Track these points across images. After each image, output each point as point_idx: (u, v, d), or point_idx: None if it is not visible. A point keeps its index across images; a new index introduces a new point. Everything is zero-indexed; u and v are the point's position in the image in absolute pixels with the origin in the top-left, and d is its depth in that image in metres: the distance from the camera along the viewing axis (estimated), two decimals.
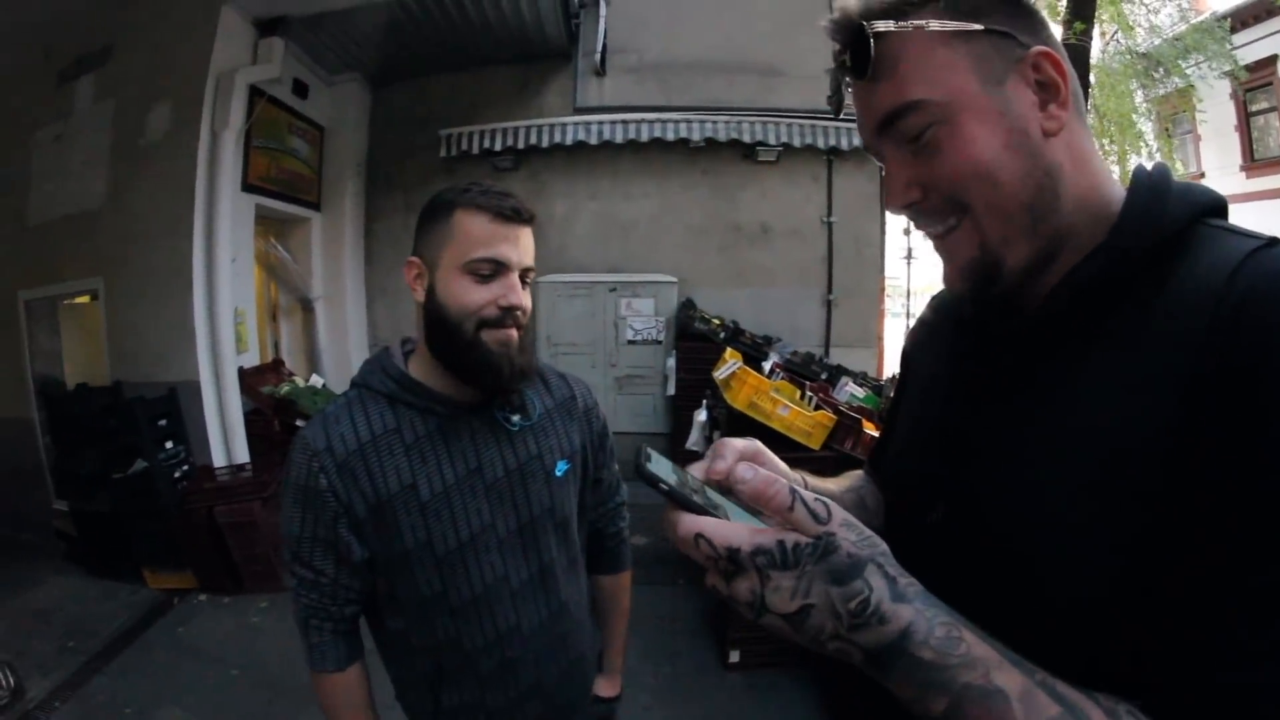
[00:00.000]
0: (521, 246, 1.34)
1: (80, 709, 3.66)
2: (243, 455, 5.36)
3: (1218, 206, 0.75)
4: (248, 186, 5.79)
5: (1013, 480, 0.75)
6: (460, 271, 1.31)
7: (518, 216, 1.33)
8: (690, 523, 0.61)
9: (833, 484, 1.11)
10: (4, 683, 3.71)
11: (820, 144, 7.18)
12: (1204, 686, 0.58)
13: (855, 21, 0.75)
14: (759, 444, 0.80)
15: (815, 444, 3.89)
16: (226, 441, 5.33)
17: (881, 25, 0.73)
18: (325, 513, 1.32)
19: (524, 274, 1.36)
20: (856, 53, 0.76)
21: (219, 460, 5.21)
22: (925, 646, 0.58)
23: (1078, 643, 0.66)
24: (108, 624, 4.38)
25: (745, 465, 0.64)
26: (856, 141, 7.02)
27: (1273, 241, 0.66)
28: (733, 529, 0.60)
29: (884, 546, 0.62)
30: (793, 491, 0.60)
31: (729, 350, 5.23)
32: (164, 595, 4.71)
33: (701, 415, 5.09)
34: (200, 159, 5.17)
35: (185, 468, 5.04)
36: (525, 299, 1.35)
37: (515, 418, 1.45)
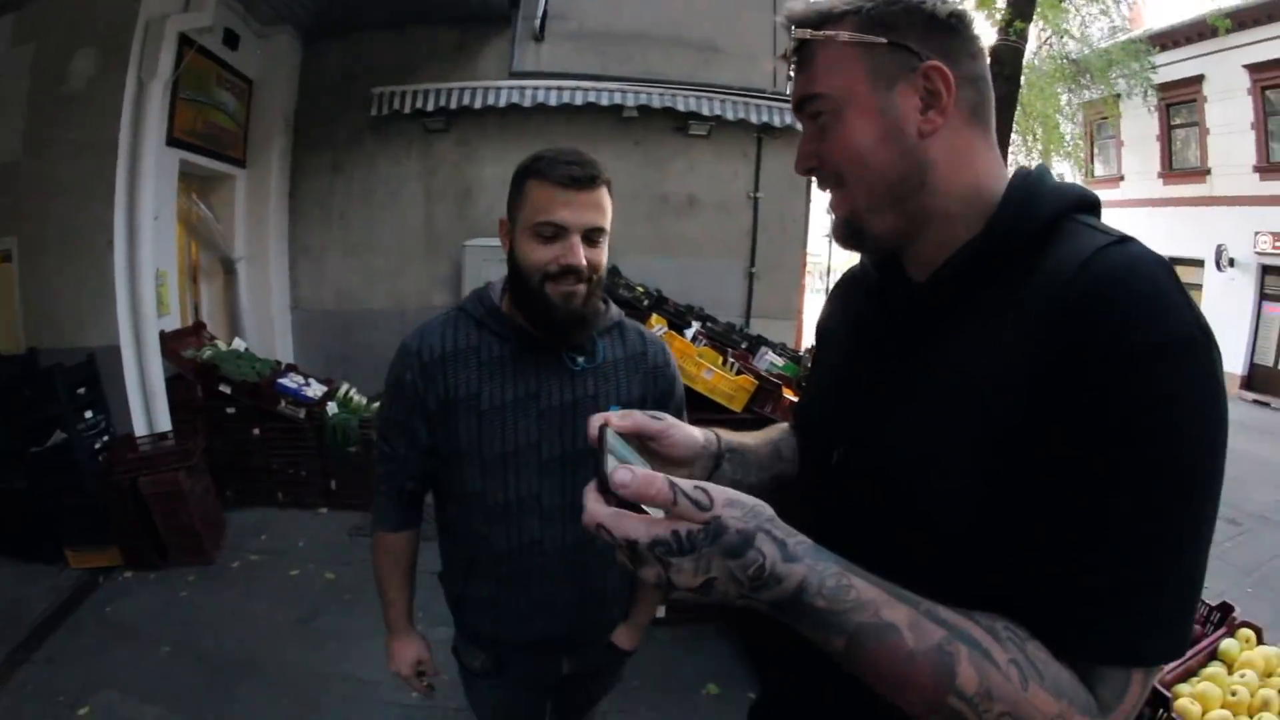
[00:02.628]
0: (582, 210, 1.47)
1: (9, 701, 3.46)
2: (165, 423, 5.14)
3: (1088, 203, 0.89)
4: (173, 140, 5.56)
5: (901, 425, 0.89)
6: (529, 233, 1.49)
7: (576, 183, 1.45)
8: (591, 513, 0.68)
9: (750, 438, 1.21)
10: None
11: (753, 119, 7.31)
12: (1054, 597, 0.72)
13: (789, 25, 0.92)
14: (640, 417, 0.97)
15: (738, 407, 4.07)
16: (148, 409, 5.11)
17: (802, 32, 0.90)
18: (405, 401, 1.60)
19: (590, 234, 1.50)
20: (793, 48, 0.93)
21: (140, 429, 5.00)
22: (819, 596, 0.67)
23: (955, 566, 0.79)
24: (31, 609, 4.12)
25: (623, 470, 0.68)
26: (788, 120, 7.17)
27: (1123, 239, 0.78)
28: (630, 521, 0.66)
29: (769, 513, 0.70)
30: (672, 486, 0.66)
31: (655, 315, 5.32)
32: (88, 575, 4.48)
33: (680, 384, 5.11)
34: (125, 110, 4.88)
35: (106, 438, 4.80)
36: (592, 256, 1.51)
37: (580, 359, 1.62)
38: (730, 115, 7.25)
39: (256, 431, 5.40)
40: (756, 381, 4.14)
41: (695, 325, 5.97)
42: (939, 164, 0.89)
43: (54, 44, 5.02)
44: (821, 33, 0.89)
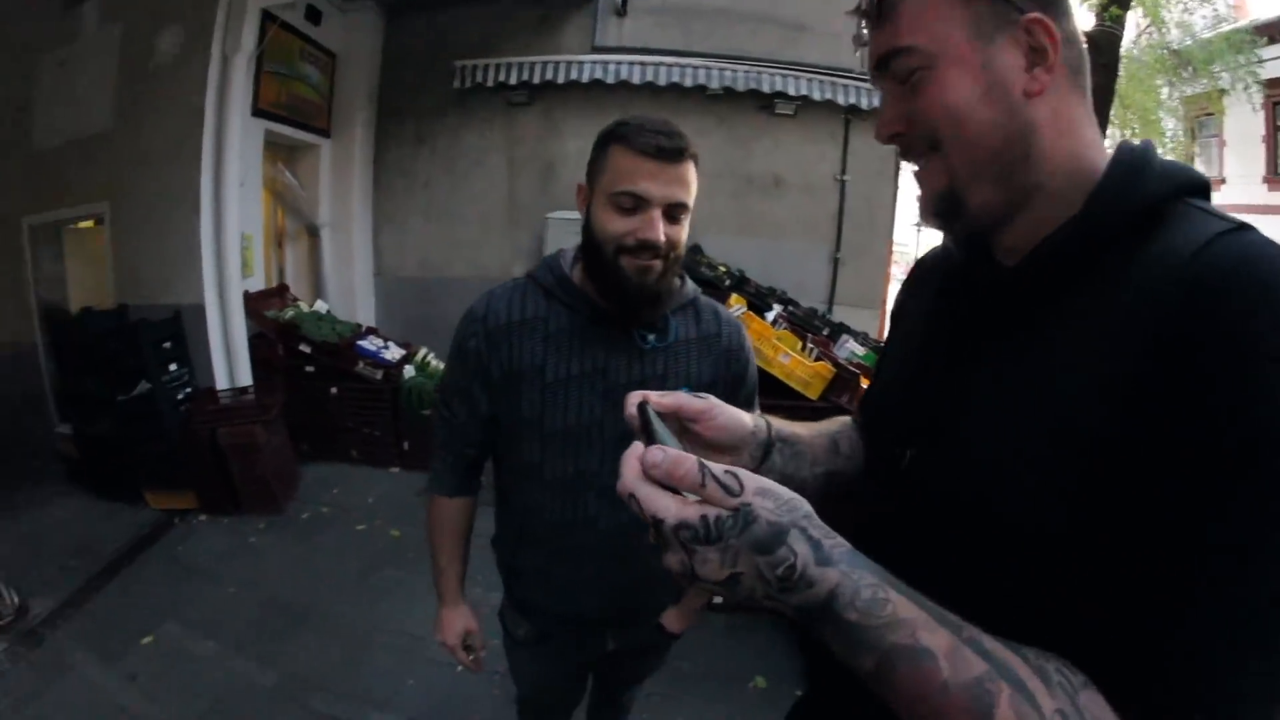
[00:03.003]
0: (666, 183, 1.38)
1: (82, 626, 3.68)
2: (246, 378, 5.32)
3: (1198, 186, 0.77)
4: (257, 111, 5.69)
5: (979, 426, 0.79)
6: (608, 202, 1.41)
7: (661, 154, 1.36)
8: (626, 481, 0.64)
9: (805, 428, 1.11)
10: (8, 601, 3.73)
11: (840, 100, 7.04)
12: (1134, 642, 0.61)
13: None
14: (682, 396, 0.91)
15: (813, 394, 3.90)
16: (230, 364, 5.29)
17: None
18: (468, 368, 1.56)
19: (671, 209, 1.40)
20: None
21: (222, 383, 5.18)
22: (851, 608, 0.60)
23: (1028, 586, 0.69)
24: (109, 544, 4.38)
25: (655, 449, 0.64)
26: (876, 101, 6.88)
27: (1242, 227, 0.67)
28: (661, 498, 0.62)
29: (806, 509, 0.64)
30: (702, 468, 0.62)
31: (734, 295, 5.16)
32: (164, 516, 4.70)
33: (754, 369, 5.01)
34: (210, 83, 5.05)
35: (188, 390, 5.01)
36: (672, 233, 1.42)
37: (650, 337, 1.55)
38: (817, 95, 7.02)
39: (334, 390, 5.51)
40: (834, 369, 3.97)
41: (776, 308, 5.85)
42: (1044, 130, 0.77)
43: (140, 23, 5.24)
44: None
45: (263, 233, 6.11)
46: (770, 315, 5.46)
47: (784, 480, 0.95)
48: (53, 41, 5.58)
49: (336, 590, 3.90)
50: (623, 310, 1.49)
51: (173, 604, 3.80)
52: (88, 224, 5.71)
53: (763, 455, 0.99)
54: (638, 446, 0.67)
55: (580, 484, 1.56)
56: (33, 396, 5.80)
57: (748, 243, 7.23)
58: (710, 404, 0.93)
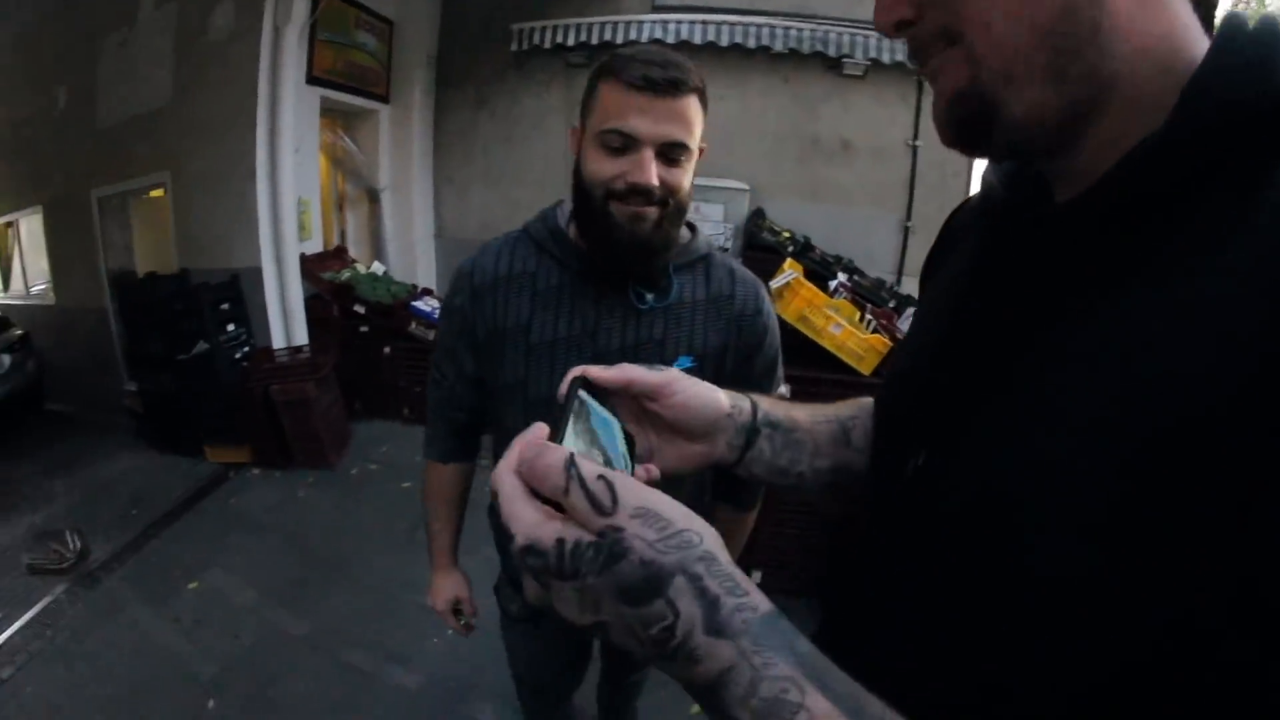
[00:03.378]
0: (659, 119, 1.20)
1: (136, 570, 3.86)
2: (302, 338, 5.45)
3: None
4: (312, 80, 5.76)
5: (1016, 422, 0.55)
6: (595, 141, 1.24)
7: (653, 86, 1.18)
8: (498, 471, 0.51)
9: (805, 411, 0.89)
10: (72, 545, 3.97)
11: (910, 63, 6.70)
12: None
13: None
14: (634, 370, 0.73)
15: (866, 369, 3.58)
16: (286, 324, 5.42)
17: None
18: (455, 328, 1.46)
19: (667, 149, 1.22)
20: None
21: (279, 342, 5.31)
22: (743, 706, 0.43)
23: (1056, 635, 0.48)
24: (168, 494, 4.58)
25: (531, 439, 0.52)
26: None
27: None
28: (517, 505, 0.49)
29: (706, 546, 0.47)
30: (570, 469, 0.47)
31: (789, 260, 4.96)
32: (221, 468, 4.88)
33: (774, 336, 4.88)
34: (263, 54, 5.12)
35: (246, 349, 5.16)
36: (668, 177, 1.24)
37: (649, 296, 1.37)
38: (887, 58, 6.65)
39: (387, 350, 5.56)
40: (891, 343, 3.62)
41: (841, 277, 5.59)
42: (1111, 9, 0.51)
43: (194, 1, 5.37)
44: None
45: (320, 197, 6.21)
46: (834, 284, 5.25)
47: (777, 474, 0.85)
48: (113, 23, 5.79)
49: (376, 546, 3.94)
50: (613, 263, 1.33)
51: (220, 552, 3.92)
52: (157, 193, 5.90)
53: (745, 443, 0.80)
54: (535, 431, 0.54)
55: None
56: (104, 357, 6.11)
57: (814, 209, 6.96)
58: (669, 377, 0.75)
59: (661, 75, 1.18)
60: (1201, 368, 0.43)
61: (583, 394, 0.63)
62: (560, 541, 0.45)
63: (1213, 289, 0.45)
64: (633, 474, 0.59)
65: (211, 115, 5.30)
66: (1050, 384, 0.53)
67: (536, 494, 0.49)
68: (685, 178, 1.26)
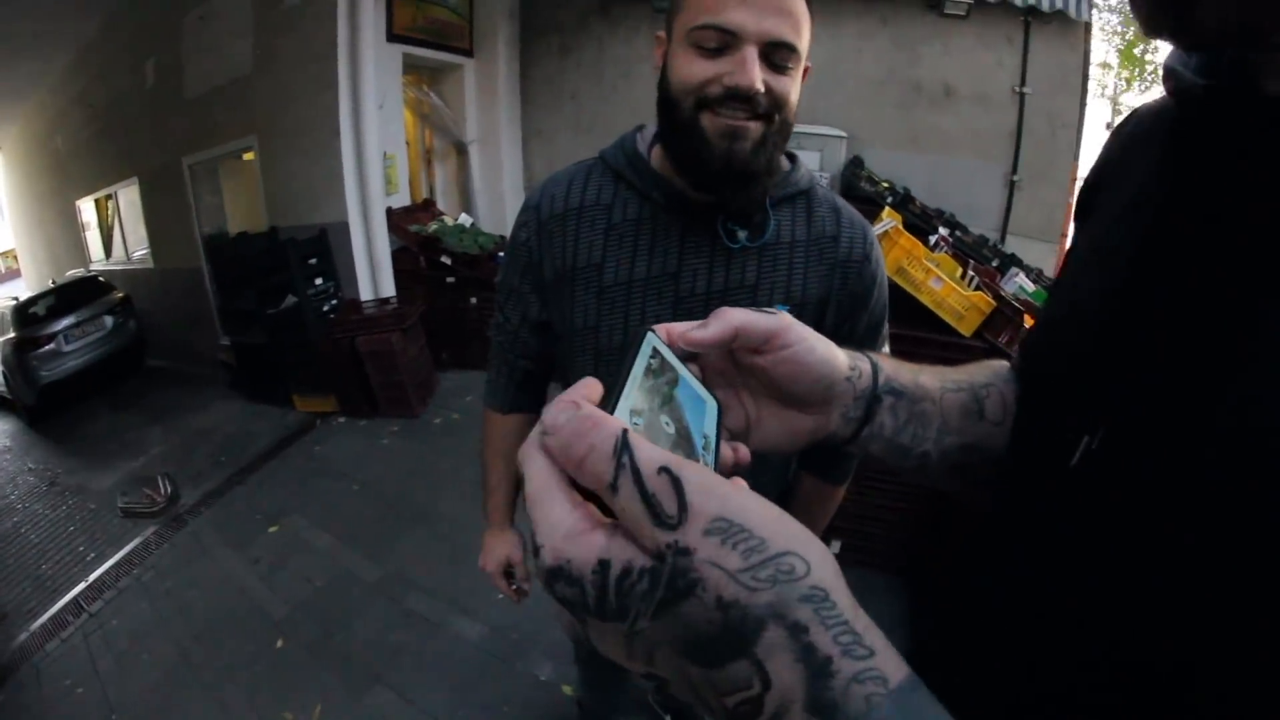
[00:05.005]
0: (764, 12, 0.98)
1: (220, 514, 3.97)
2: (389, 289, 5.50)
3: None
4: (393, 37, 5.80)
5: (1239, 391, 0.40)
6: (686, 43, 1.03)
7: None
8: (525, 453, 0.37)
9: (932, 376, 0.70)
10: (164, 489, 4.13)
11: (1017, 1, 6.15)
12: None
13: None
14: (739, 315, 0.53)
15: (967, 329, 3.23)
16: (374, 277, 5.48)
17: None
18: (519, 265, 1.30)
19: (772, 50, 1.00)
20: None
21: (366, 294, 5.36)
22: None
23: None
24: (256, 442, 4.70)
25: (566, 402, 0.36)
26: (1059, 4, 6.07)
27: None
28: (555, 506, 0.33)
29: (816, 576, 0.31)
30: (621, 454, 0.32)
31: (887, 209, 4.63)
32: (309, 417, 4.97)
33: (883, 287, 4.64)
34: (340, 16, 5.14)
35: (334, 302, 5.22)
36: (775, 84, 1.02)
37: (741, 233, 1.16)
38: None
39: (474, 300, 5.54)
40: (994, 303, 3.27)
41: (942, 231, 5.28)
42: None
43: None
44: None
45: (406, 152, 6.24)
46: (934, 238, 4.92)
47: (897, 454, 0.66)
48: (190, 1, 5.96)
49: (451, 496, 3.92)
50: (704, 187, 1.11)
51: (301, 498, 3.98)
52: (249, 155, 6.06)
53: (865, 414, 0.62)
54: (585, 387, 0.38)
55: None
56: (200, 314, 6.38)
57: (914, 159, 6.62)
58: (783, 323, 0.55)
59: None
60: None
61: (658, 344, 0.45)
62: (603, 565, 0.31)
63: None
64: (717, 461, 0.44)
65: (293, 78, 5.39)
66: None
67: (576, 483, 0.34)
68: (794, 88, 1.05)
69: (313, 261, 5.17)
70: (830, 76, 6.39)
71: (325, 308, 5.14)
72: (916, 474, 0.67)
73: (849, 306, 1.23)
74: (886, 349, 1.31)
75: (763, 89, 0.99)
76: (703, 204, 1.13)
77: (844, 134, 6.37)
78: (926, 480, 0.61)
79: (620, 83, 7.21)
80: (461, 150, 7.24)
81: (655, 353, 0.44)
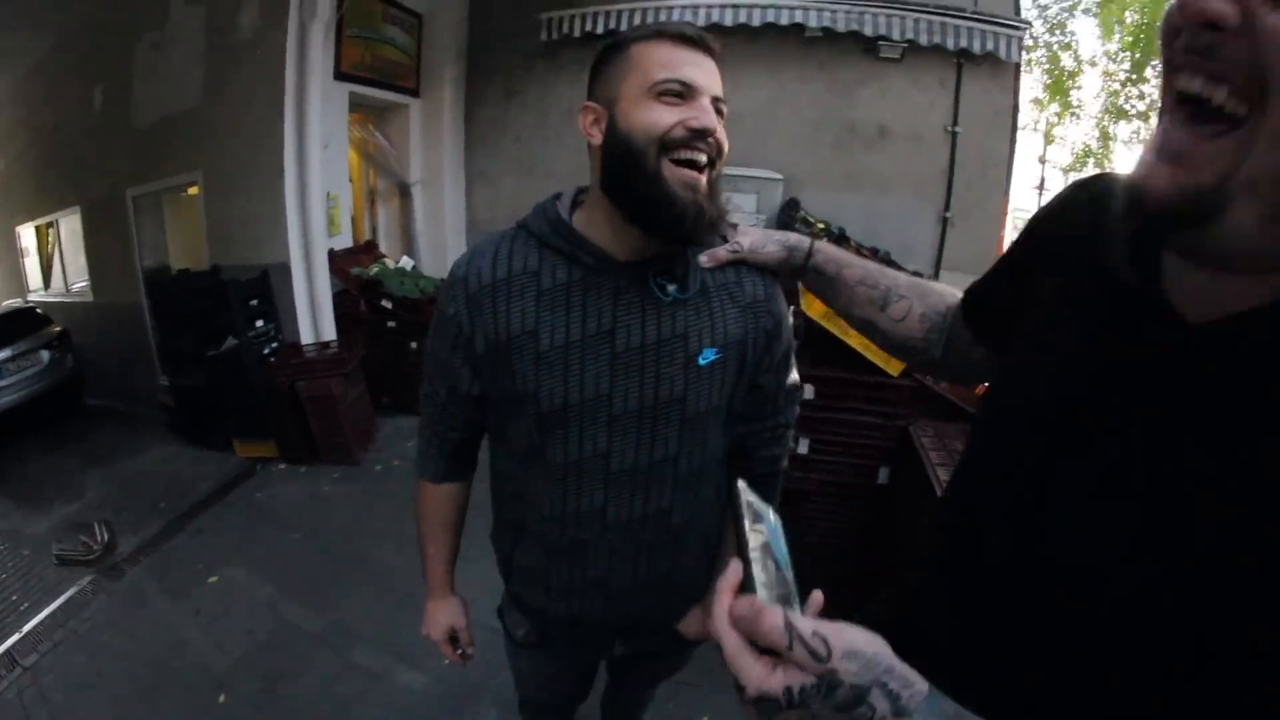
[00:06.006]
0: (709, 74, 1.17)
1: (159, 563, 3.94)
2: (329, 333, 5.51)
3: None
4: (340, 75, 5.84)
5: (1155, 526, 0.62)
6: (646, 96, 1.16)
7: (703, 44, 1.17)
8: (717, 626, 0.62)
9: (858, 269, 1.28)
10: (100, 537, 4.07)
11: (949, 44, 6.43)
12: None
13: None
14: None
15: (895, 370, 3.33)
16: (315, 320, 5.48)
17: None
18: (448, 338, 1.32)
19: (716, 103, 1.18)
20: None
21: (307, 338, 5.38)
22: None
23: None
24: (196, 488, 4.66)
25: (745, 602, 0.61)
26: (990, 45, 6.35)
27: None
28: (745, 661, 0.60)
29: (887, 662, 0.59)
30: (788, 631, 0.58)
31: None
32: (248, 463, 4.95)
33: (788, 320, 4.81)
34: (289, 52, 5.17)
35: (274, 345, 5.22)
36: (720, 140, 1.18)
37: (671, 287, 1.26)
38: (924, 39, 6.47)
39: (414, 345, 5.59)
40: None
41: None
42: None
43: (223, 1, 5.43)
44: None
45: (350, 192, 6.29)
46: None
47: (822, 296, 1.29)
48: (146, 25, 5.90)
49: (394, 543, 3.95)
50: (675, 238, 1.21)
51: (241, 547, 3.97)
52: (193, 190, 5.98)
53: (800, 273, 1.26)
54: (732, 574, 0.66)
55: (585, 470, 1.31)
56: (139, 352, 6.26)
57: (850, 198, 6.82)
58: (742, 253, 1.29)
59: (703, 34, 1.17)
60: None
61: (746, 495, 0.73)
62: (789, 689, 0.58)
63: None
64: (794, 570, 0.70)
65: (241, 114, 5.38)
66: (1191, 500, 0.59)
67: (753, 643, 0.60)
68: (726, 138, 1.20)
69: (254, 303, 5.16)
70: (768, 120, 6.61)
71: (266, 350, 5.13)
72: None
73: (764, 343, 1.35)
74: (794, 375, 1.47)
75: (718, 130, 1.16)
76: (632, 262, 1.24)
77: (780, 176, 6.58)
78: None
79: (564, 126, 7.31)
80: (405, 191, 7.29)
81: (748, 504, 0.72)
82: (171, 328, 5.48)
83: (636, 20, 6.67)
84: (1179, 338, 0.60)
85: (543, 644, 1.57)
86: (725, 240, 1.33)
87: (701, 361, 1.27)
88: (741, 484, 0.72)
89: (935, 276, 6.56)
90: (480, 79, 7.51)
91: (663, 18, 6.57)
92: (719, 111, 1.17)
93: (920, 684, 0.59)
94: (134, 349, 6.33)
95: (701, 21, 6.50)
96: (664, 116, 1.14)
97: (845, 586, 3.36)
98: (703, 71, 1.16)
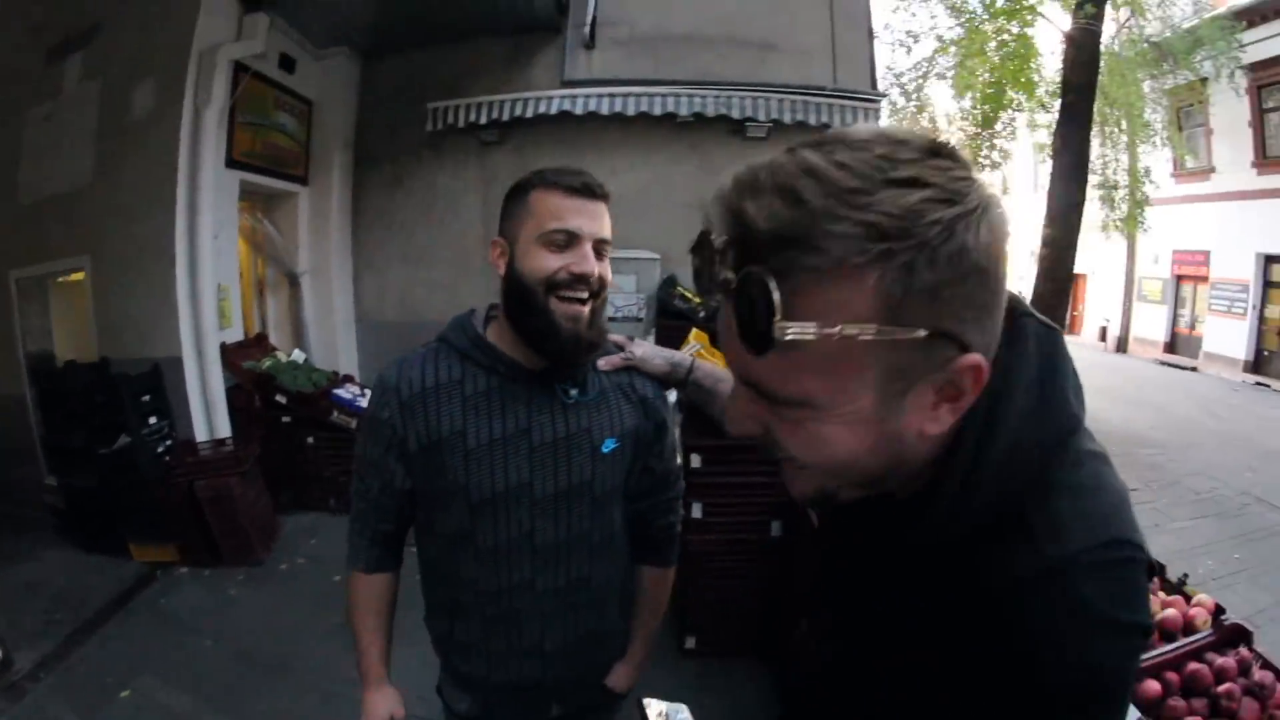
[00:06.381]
0: (594, 219, 1.43)
1: (64, 679, 3.79)
2: (224, 429, 5.45)
3: (1052, 454, 0.75)
4: (232, 162, 5.83)
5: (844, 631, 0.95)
6: (537, 243, 1.42)
7: (589, 192, 1.43)
8: None
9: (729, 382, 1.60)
10: None
11: (811, 120, 7.05)
12: None
13: (759, 288, 0.60)
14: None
15: None
16: (209, 416, 5.43)
17: (794, 331, 0.59)
18: (382, 440, 1.53)
19: (599, 245, 1.45)
20: (749, 313, 0.62)
21: (201, 435, 5.31)
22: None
23: None
24: (93, 596, 4.50)
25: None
26: (849, 119, 6.99)
27: (1051, 573, 0.68)
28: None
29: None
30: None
31: (694, 331, 5.19)
32: (147, 568, 4.82)
33: (671, 394, 5.11)
34: (183, 136, 5.19)
35: (168, 442, 5.12)
36: (601, 268, 1.45)
37: (573, 391, 1.55)
38: (788, 118, 7.06)
39: (310, 440, 5.64)
40: None
41: None
42: (920, 449, 0.72)
43: (118, 77, 5.41)
44: (834, 330, 0.59)
45: (240, 283, 6.26)
46: None
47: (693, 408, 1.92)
48: (37, 95, 5.75)
49: (311, 641, 4.00)
50: (558, 360, 1.48)
51: (151, 657, 3.91)
52: (74, 276, 5.84)
53: (682, 385, 1.66)
54: None
55: (514, 549, 1.54)
56: (22, 448, 5.93)
57: None
58: (632, 362, 1.63)
59: (591, 181, 1.43)
60: (930, 659, 0.76)
61: (655, 709, 1.02)
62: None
63: (935, 606, 0.75)
64: None
65: (132, 198, 5.33)
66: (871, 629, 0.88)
67: None
68: (609, 271, 1.48)
69: (146, 398, 5.07)
70: (644, 202, 6.98)
71: (160, 449, 5.04)
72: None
73: (654, 433, 1.68)
74: (679, 459, 1.88)
75: (596, 273, 1.43)
76: (540, 372, 1.52)
77: (657, 256, 6.98)
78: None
79: (449, 215, 7.53)
80: (294, 281, 7.26)
81: (660, 710, 1.00)
82: (59, 423, 5.30)
83: (519, 111, 7.00)
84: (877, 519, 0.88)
85: (483, 715, 1.72)
86: (620, 349, 1.65)
87: (605, 450, 1.58)
88: (646, 700, 1.00)
89: None
90: (368, 167, 7.61)
91: (542, 108, 6.94)
92: (600, 253, 1.45)
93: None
94: (16, 444, 5.97)
95: (579, 111, 6.92)
96: (550, 262, 1.40)
97: (748, 628, 3.73)
98: (588, 218, 1.42)
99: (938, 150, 0.63)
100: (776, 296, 0.59)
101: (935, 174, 0.61)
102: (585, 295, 1.44)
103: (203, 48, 5.22)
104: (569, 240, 1.41)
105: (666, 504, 1.80)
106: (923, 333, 0.61)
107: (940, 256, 0.59)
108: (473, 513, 1.52)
